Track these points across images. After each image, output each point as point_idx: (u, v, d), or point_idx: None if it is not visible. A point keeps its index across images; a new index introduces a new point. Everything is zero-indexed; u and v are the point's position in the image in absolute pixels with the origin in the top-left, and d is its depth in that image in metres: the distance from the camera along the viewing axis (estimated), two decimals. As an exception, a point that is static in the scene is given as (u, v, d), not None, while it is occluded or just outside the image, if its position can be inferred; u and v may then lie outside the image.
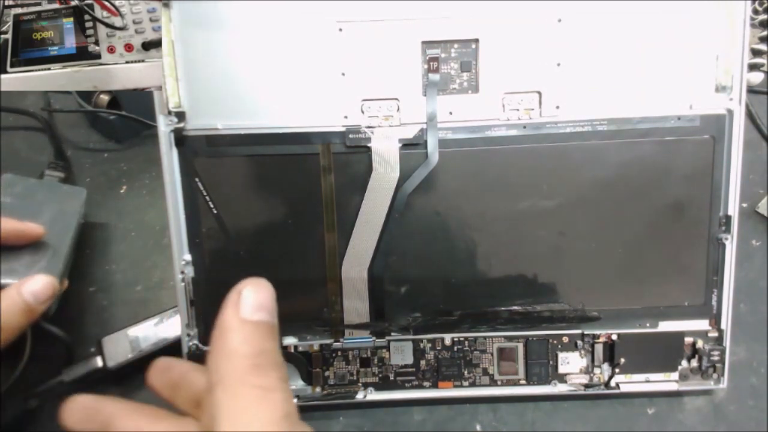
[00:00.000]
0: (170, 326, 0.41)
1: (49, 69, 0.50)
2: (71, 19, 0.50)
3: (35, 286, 0.35)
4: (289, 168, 0.36)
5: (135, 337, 0.41)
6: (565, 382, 0.38)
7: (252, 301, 0.24)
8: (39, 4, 0.51)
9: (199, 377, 0.26)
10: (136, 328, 0.41)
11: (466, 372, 0.39)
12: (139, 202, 0.52)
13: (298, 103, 0.36)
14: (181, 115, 0.36)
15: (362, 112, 0.36)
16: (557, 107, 0.36)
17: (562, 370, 0.38)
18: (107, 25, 0.49)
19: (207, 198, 0.36)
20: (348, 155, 0.36)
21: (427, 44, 0.36)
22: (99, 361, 0.40)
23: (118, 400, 0.26)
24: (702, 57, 0.36)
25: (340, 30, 0.35)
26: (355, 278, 0.37)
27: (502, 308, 0.38)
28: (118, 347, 0.40)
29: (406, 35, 0.35)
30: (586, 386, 0.38)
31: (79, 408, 0.26)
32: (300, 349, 0.38)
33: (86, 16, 0.50)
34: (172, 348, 0.40)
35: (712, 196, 0.37)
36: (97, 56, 0.50)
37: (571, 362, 0.38)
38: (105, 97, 0.56)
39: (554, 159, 0.36)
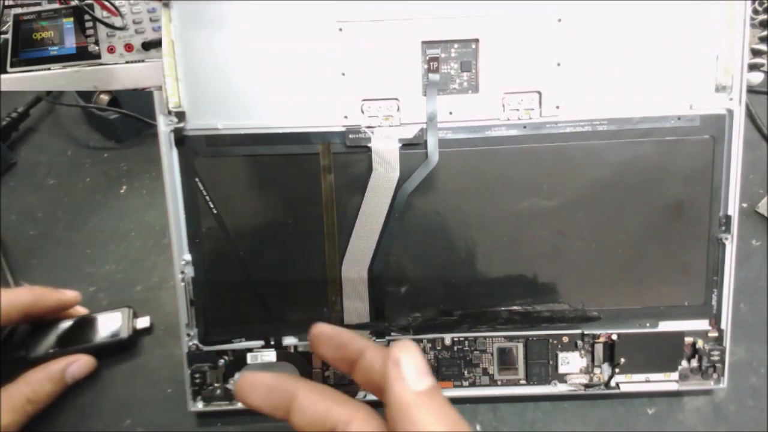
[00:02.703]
0: (103, 326, 0.42)
1: (49, 69, 0.50)
2: (71, 19, 0.50)
3: (79, 369, 0.38)
4: (289, 168, 0.36)
5: (63, 332, 0.41)
6: (565, 382, 0.38)
7: (414, 368, 0.25)
8: (39, 4, 0.52)
9: (378, 358, 0.27)
10: (68, 323, 0.41)
11: (466, 372, 0.39)
12: (139, 202, 0.52)
13: (298, 103, 0.36)
14: (181, 115, 0.36)
15: (362, 112, 0.36)
16: (557, 107, 0.36)
17: (562, 370, 0.38)
18: (107, 25, 0.49)
19: (207, 198, 0.36)
20: (348, 155, 0.36)
21: (427, 44, 0.36)
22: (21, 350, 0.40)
23: (299, 378, 0.28)
24: (702, 57, 0.36)
25: (340, 30, 0.35)
26: (355, 278, 0.37)
27: (502, 308, 0.38)
28: (45, 339, 0.40)
29: (406, 35, 0.35)
30: (586, 386, 0.38)
31: (260, 385, 0.27)
32: (300, 349, 0.38)
33: (86, 16, 0.50)
34: (93, 349, 0.41)
35: (712, 196, 0.37)
36: (97, 56, 0.50)
37: (571, 362, 0.38)
38: (105, 97, 0.57)
39: (554, 159, 0.36)
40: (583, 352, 0.38)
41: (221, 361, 0.38)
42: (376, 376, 0.26)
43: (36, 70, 0.50)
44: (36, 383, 0.36)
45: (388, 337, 0.38)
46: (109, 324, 0.42)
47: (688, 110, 0.36)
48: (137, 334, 0.42)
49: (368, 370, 0.27)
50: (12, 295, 0.38)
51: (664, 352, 0.38)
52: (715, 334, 0.38)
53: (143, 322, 0.43)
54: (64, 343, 0.40)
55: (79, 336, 0.41)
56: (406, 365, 0.25)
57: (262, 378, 0.28)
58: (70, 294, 0.41)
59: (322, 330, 0.30)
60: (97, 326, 0.42)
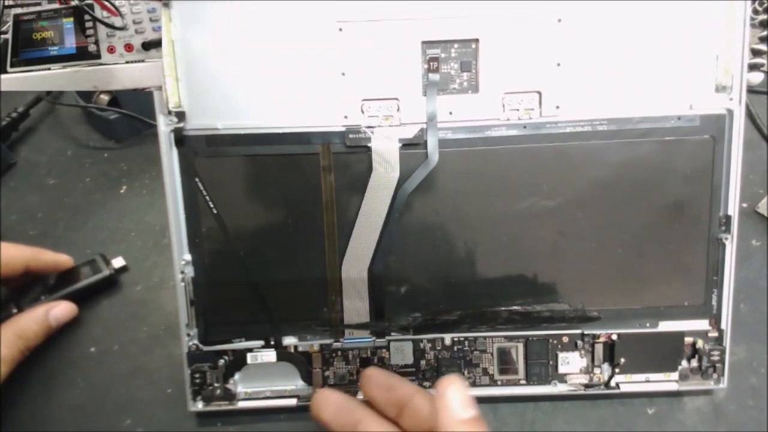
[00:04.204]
0: (84, 271, 0.45)
1: (49, 69, 0.50)
2: (71, 19, 0.50)
3: (61, 312, 0.41)
4: (289, 168, 0.36)
5: (50, 283, 0.44)
6: (565, 382, 0.38)
7: (459, 399, 0.28)
8: (39, 4, 0.51)
9: (426, 404, 0.30)
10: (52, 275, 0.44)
11: (466, 372, 0.39)
12: (139, 202, 0.52)
13: (298, 103, 0.36)
14: (181, 115, 0.36)
15: (362, 112, 0.36)
16: (557, 107, 0.36)
17: (562, 370, 0.38)
18: (107, 25, 0.49)
19: (207, 198, 0.36)
20: (348, 155, 0.36)
21: (427, 44, 0.36)
22: (13, 309, 0.42)
23: (366, 406, 0.31)
24: (702, 57, 0.36)
25: (340, 30, 0.35)
26: (355, 278, 0.37)
27: (502, 308, 0.38)
28: (33, 291, 0.43)
29: (406, 35, 0.35)
30: (586, 386, 0.38)
31: (332, 403, 0.31)
32: (300, 349, 0.38)
33: (86, 16, 0.50)
34: (80, 293, 0.43)
35: (712, 196, 0.37)
36: (97, 56, 0.50)
37: (571, 362, 0.38)
38: (105, 97, 0.57)
39: (554, 159, 0.36)
40: (583, 352, 0.38)
41: (221, 361, 0.38)
42: (425, 419, 0.29)
43: (36, 70, 0.50)
44: (22, 323, 0.39)
45: (388, 337, 0.38)
46: (89, 268, 0.45)
47: (688, 110, 0.36)
48: (117, 273, 0.46)
49: (417, 413, 0.29)
50: (15, 249, 0.41)
51: (664, 352, 0.38)
52: (715, 334, 0.38)
53: (118, 262, 0.46)
54: (53, 292, 0.43)
55: (65, 283, 0.44)
56: (452, 395, 0.28)
57: (334, 398, 0.31)
58: (64, 257, 0.44)
59: (373, 373, 0.32)
60: (79, 272, 0.45)
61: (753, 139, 0.54)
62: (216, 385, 0.38)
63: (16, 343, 0.38)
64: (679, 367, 0.38)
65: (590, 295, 0.38)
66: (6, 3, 0.51)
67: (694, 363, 0.38)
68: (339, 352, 0.38)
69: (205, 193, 0.36)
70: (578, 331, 0.38)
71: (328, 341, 0.38)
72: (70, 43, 0.50)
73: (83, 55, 0.50)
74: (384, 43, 0.35)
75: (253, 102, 0.36)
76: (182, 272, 0.37)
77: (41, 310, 0.40)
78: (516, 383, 0.39)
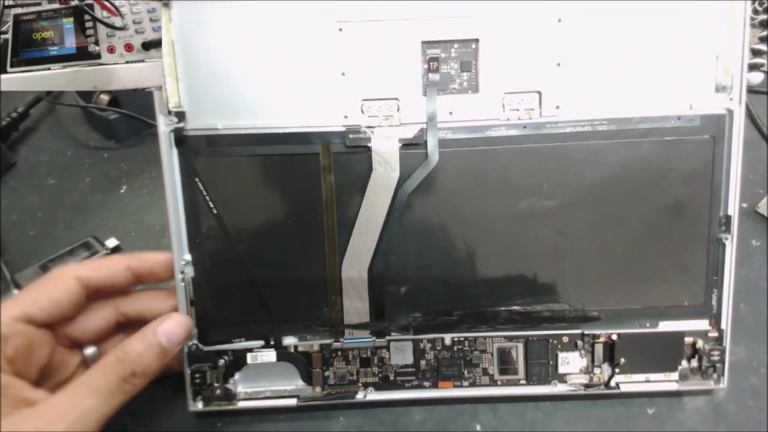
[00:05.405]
0: (81, 255, 0.46)
1: (49, 69, 0.50)
2: (71, 19, 0.50)
3: (171, 327, 0.34)
4: (289, 168, 0.36)
5: (48, 269, 0.45)
6: (565, 382, 0.38)
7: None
8: (39, 4, 0.52)
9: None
10: (46, 261, 0.45)
11: (466, 372, 0.39)
12: (139, 202, 0.52)
13: (298, 103, 0.36)
14: (181, 115, 0.36)
15: (362, 112, 0.36)
16: (557, 107, 0.36)
17: (562, 370, 0.38)
18: (107, 25, 0.49)
19: (207, 198, 0.36)
20: (348, 155, 0.36)
21: (427, 44, 0.36)
22: (15, 293, 0.42)
23: None
24: (702, 57, 0.36)
25: (340, 30, 0.35)
26: (355, 278, 0.37)
27: (502, 308, 0.38)
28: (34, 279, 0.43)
29: (406, 35, 0.35)
30: (586, 386, 0.38)
31: None
32: (300, 349, 0.38)
33: (86, 16, 0.50)
34: None
35: (712, 196, 0.37)
36: (97, 56, 0.50)
37: (571, 362, 0.38)
38: (105, 97, 0.57)
39: (554, 159, 0.36)
40: (583, 352, 0.38)
41: (221, 361, 0.38)
42: None
43: (36, 70, 0.50)
44: (126, 346, 0.33)
45: (388, 337, 0.38)
46: (85, 250, 0.47)
47: (688, 110, 0.36)
48: (114, 251, 0.47)
49: None
50: (114, 258, 0.39)
51: (664, 352, 0.38)
52: (715, 334, 0.38)
53: (112, 242, 0.48)
54: None
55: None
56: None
57: None
58: (163, 254, 0.37)
59: None
60: (78, 257, 0.46)
61: (753, 139, 0.54)
62: (216, 385, 0.38)
63: (114, 368, 0.32)
64: (679, 367, 0.38)
65: (590, 295, 0.38)
66: (6, 3, 0.51)
67: (694, 363, 0.38)
68: (339, 352, 0.38)
69: (205, 193, 0.36)
70: (578, 331, 0.38)
71: (328, 341, 0.38)
72: (70, 43, 0.50)
73: (83, 55, 0.50)
74: (384, 43, 0.35)
75: (253, 102, 0.36)
76: (182, 272, 0.37)
77: (148, 328, 0.34)
78: (516, 383, 0.39)
